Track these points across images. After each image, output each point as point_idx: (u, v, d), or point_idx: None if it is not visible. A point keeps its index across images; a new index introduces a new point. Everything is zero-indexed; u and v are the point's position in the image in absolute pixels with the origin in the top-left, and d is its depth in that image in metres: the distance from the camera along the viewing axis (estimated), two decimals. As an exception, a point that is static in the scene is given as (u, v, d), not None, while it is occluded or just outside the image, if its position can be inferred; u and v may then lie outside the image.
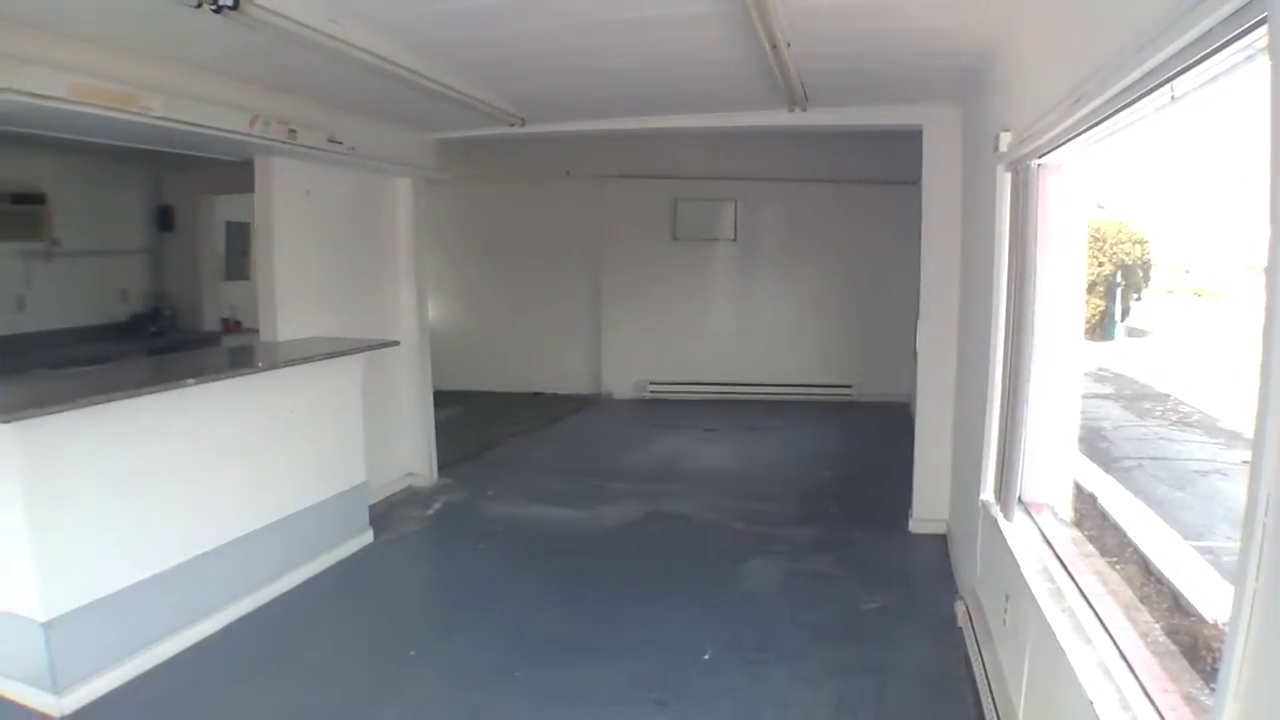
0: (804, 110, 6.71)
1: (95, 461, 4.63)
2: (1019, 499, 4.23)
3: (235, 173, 7.30)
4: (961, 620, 5.00)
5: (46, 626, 4.36)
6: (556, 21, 4.75)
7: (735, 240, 12.88)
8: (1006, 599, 4.02)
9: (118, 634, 4.70)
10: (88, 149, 6.85)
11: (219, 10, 4.00)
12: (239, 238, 10.54)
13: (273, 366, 5.87)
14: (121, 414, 4.68)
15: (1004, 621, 4.08)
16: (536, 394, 13.26)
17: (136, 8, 4.25)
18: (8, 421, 4.05)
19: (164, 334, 9.47)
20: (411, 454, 8.40)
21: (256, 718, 4.43)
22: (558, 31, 4.93)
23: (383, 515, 7.27)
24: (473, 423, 11.04)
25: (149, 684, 4.73)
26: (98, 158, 8.64)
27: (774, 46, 4.80)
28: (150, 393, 4.84)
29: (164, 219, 10.03)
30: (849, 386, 12.61)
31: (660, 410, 12.28)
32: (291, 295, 6.76)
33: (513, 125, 7.47)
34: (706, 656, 4.89)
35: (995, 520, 4.33)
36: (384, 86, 5.70)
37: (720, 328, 13.05)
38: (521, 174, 12.67)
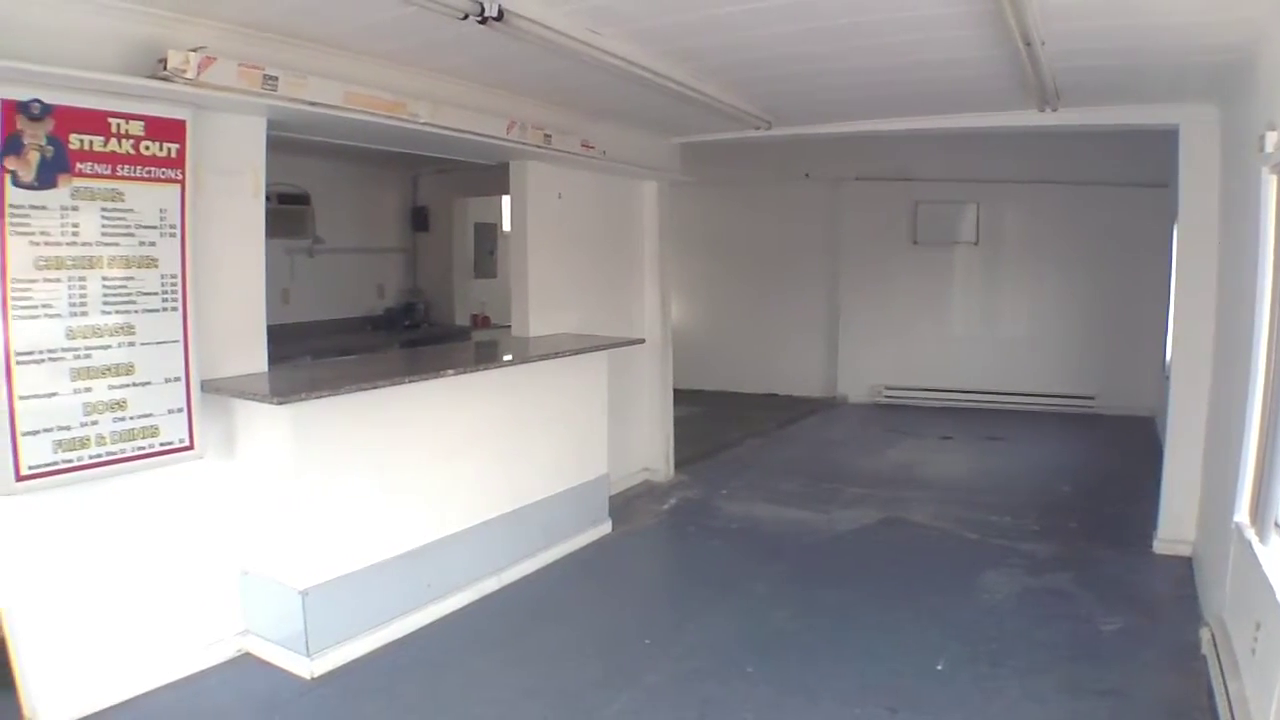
0: (1054, 110, 6.52)
1: (354, 445, 4.95)
2: (1276, 521, 4.01)
3: (485, 176, 7.64)
4: (1206, 647, 4.72)
5: (303, 594, 4.68)
6: (805, 26, 4.75)
7: (977, 244, 12.52)
8: (1258, 627, 3.80)
9: (366, 606, 5.00)
10: (350, 153, 7.22)
11: (484, 21, 4.20)
12: (487, 238, 11.02)
13: (524, 360, 6.10)
14: (380, 401, 4.99)
15: (1253, 651, 3.85)
16: (772, 395, 13.31)
17: (406, 22, 4.49)
18: (282, 404, 4.40)
19: (418, 327, 9.96)
20: (650, 449, 8.57)
21: (491, 694, 4.59)
22: (806, 36, 4.93)
23: (620, 507, 7.42)
24: (709, 422, 11.14)
25: (391, 655, 5.00)
26: (358, 162, 9.17)
27: (1027, 44, 4.69)
28: (411, 382, 5.14)
29: (419, 219, 10.55)
30: (1091, 398, 12.04)
31: (896, 416, 12.11)
32: (542, 293, 7.01)
33: (759, 129, 7.53)
34: (939, 667, 4.79)
35: (1249, 543, 4.11)
36: (635, 92, 5.86)
37: (959, 333, 12.74)
38: (760, 177, 12.72)
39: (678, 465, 8.78)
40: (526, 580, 6.06)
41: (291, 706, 4.48)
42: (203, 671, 4.73)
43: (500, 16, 4.21)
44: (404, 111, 5.24)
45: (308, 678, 4.69)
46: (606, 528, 7.02)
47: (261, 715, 4.41)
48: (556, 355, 6.26)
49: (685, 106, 6.41)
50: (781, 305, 13.40)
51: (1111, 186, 11.55)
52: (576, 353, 6.48)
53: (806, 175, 12.65)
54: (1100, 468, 9.41)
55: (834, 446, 10.66)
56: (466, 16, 4.17)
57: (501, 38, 4.53)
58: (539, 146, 6.36)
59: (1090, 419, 11.79)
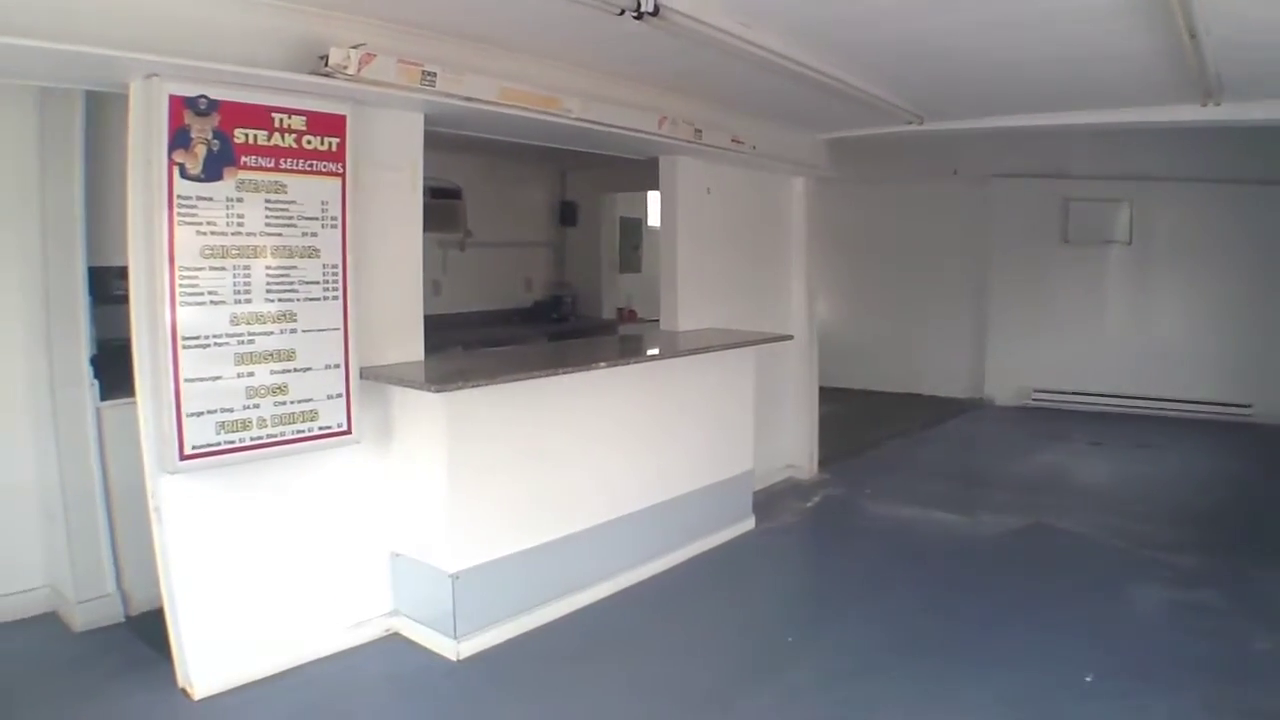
0: (1216, 105, 6.28)
1: (505, 434, 5.04)
2: None
3: (632, 172, 7.68)
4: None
5: (454, 578, 4.79)
6: (959, 18, 4.69)
7: (1130, 244, 12.00)
8: None
9: (511, 592, 5.09)
10: (500, 149, 7.34)
11: (640, 17, 4.24)
12: (632, 233, 11.10)
13: (673, 355, 6.12)
14: (531, 392, 5.08)
15: None
16: (915, 395, 13.06)
17: (562, 18, 4.54)
18: (439, 392, 4.51)
19: (565, 320, 10.09)
20: (794, 447, 8.52)
21: (631, 683, 4.63)
22: (960, 28, 4.86)
23: (764, 504, 7.38)
24: (853, 420, 11.02)
25: (535, 641, 5.08)
26: (509, 157, 9.34)
27: (1192, 35, 4.53)
28: (563, 373, 5.20)
29: (567, 214, 10.68)
30: (1247, 406, 11.40)
31: (1044, 419, 11.76)
32: (690, 287, 7.03)
33: (910, 123, 7.44)
34: (1088, 679, 4.62)
35: None
36: (786, 86, 5.83)
37: (1111, 336, 12.21)
38: (905, 173, 12.50)
39: (821, 463, 8.71)
40: (669, 573, 6.08)
41: (438, 686, 4.59)
42: (351, 649, 4.89)
43: (656, 11, 4.26)
44: (558, 107, 5.31)
45: (454, 659, 4.79)
46: (750, 524, 6.99)
47: (408, 694, 4.53)
48: (706, 350, 6.26)
49: (835, 101, 6.36)
50: (926, 304, 13.14)
51: (1273, 186, 11.02)
52: (726, 348, 6.46)
53: (955, 172, 12.37)
54: (1254, 479, 9.00)
55: (980, 449, 10.50)
56: (623, 12, 4.22)
57: (655, 32, 4.55)
58: (689, 141, 6.37)
59: (1246, 428, 11.21)
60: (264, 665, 4.56)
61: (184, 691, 4.36)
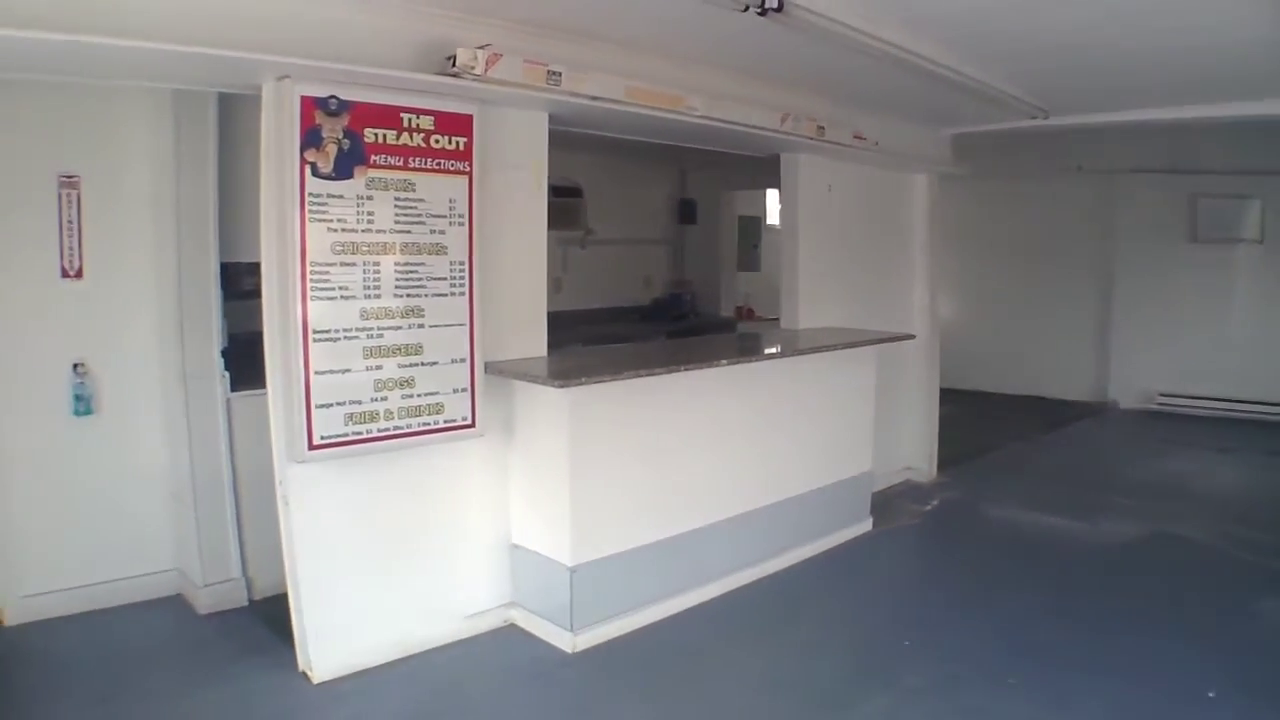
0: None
1: (625, 430, 5.08)
2: None
3: (750, 169, 7.66)
4: None
5: (572, 571, 4.84)
6: (1084, 12, 4.63)
7: (1261, 242, 11.51)
8: None
9: (628, 587, 5.11)
10: (621, 147, 7.35)
11: (764, 13, 4.24)
12: (750, 231, 11.07)
13: (794, 353, 6.11)
14: (652, 389, 5.09)
15: None
16: (1035, 398, 12.73)
17: (685, 16, 4.59)
18: (562, 387, 4.56)
19: (684, 318, 10.09)
20: (913, 448, 8.42)
21: (744, 682, 4.61)
22: (1086, 21, 4.78)
23: (881, 505, 7.29)
24: (971, 423, 10.80)
25: (649, 636, 5.10)
26: (629, 155, 9.35)
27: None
28: (685, 370, 5.22)
29: (686, 212, 10.69)
30: None
31: (1170, 424, 11.38)
32: (811, 286, 7.01)
33: (1035, 118, 7.28)
34: (1211, 695, 4.44)
35: None
36: (909, 81, 5.77)
37: (1241, 338, 11.67)
38: (1027, 169, 12.07)
39: (940, 466, 8.58)
40: (785, 573, 6.05)
41: (553, 677, 4.64)
42: (468, 639, 4.98)
43: (780, 7, 4.25)
44: (682, 105, 5.33)
45: (569, 651, 4.84)
46: (867, 525, 6.93)
47: (524, 684, 4.59)
48: (826, 349, 6.21)
49: (959, 96, 6.27)
50: (1047, 304, 12.77)
51: None
52: (846, 347, 6.40)
53: (1079, 168, 11.89)
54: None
55: (1102, 454, 10.20)
56: (747, 8, 4.22)
57: (778, 28, 4.54)
58: (811, 138, 6.33)
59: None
60: (382, 652, 4.66)
61: (304, 675, 4.50)
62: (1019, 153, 11.29)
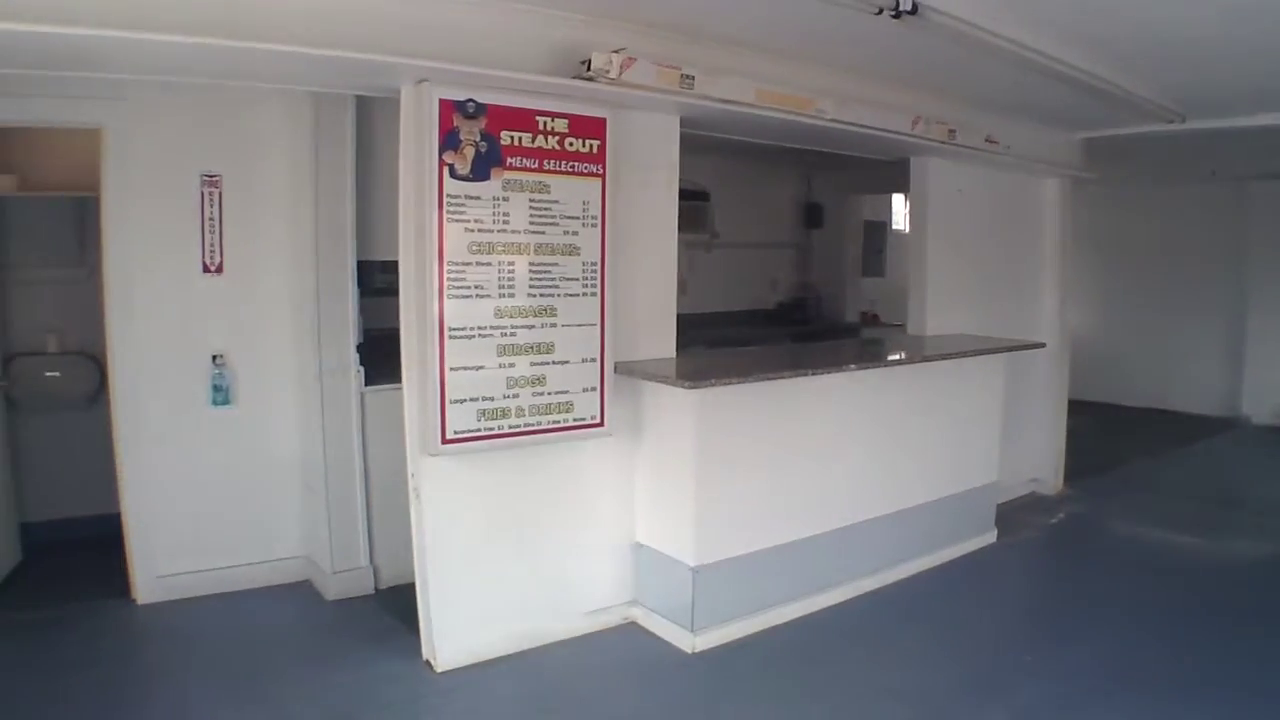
0: None
1: (751, 433, 5.07)
2: None
3: (876, 173, 7.60)
4: None
5: (694, 571, 4.85)
6: (1211, 9, 4.51)
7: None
8: None
9: (748, 590, 5.10)
10: (746, 150, 7.35)
11: (898, 16, 4.22)
12: (875, 236, 10.95)
13: (920, 359, 6.02)
14: (777, 392, 5.09)
15: None
16: (1164, 411, 12.32)
17: (818, 19, 4.56)
18: (692, 388, 4.58)
19: (808, 323, 10.02)
20: (1039, 460, 8.22)
21: (859, 689, 4.57)
22: (1213, 18, 4.65)
23: (1005, 517, 7.13)
24: (1098, 435, 10.56)
25: (767, 640, 5.07)
26: (754, 159, 9.33)
27: None
28: (814, 374, 5.20)
29: (812, 216, 10.62)
30: None
31: (1307, 441, 10.98)
32: (939, 291, 6.92)
33: (1171, 121, 7.07)
34: None
35: None
36: (1041, 84, 5.68)
37: None
38: (1158, 174, 11.64)
39: (1066, 478, 8.39)
40: (905, 582, 5.98)
41: (672, 676, 4.67)
42: (588, 635, 5.03)
43: (915, 10, 4.23)
44: (812, 108, 5.30)
45: (688, 651, 4.86)
46: (990, 537, 6.80)
47: (643, 682, 4.61)
48: (954, 356, 6.14)
49: (1092, 99, 6.13)
50: (1176, 314, 12.32)
51: None
52: (974, 354, 6.32)
53: (1213, 173, 11.41)
54: None
55: (1235, 470, 9.84)
56: (881, 11, 4.20)
57: (910, 31, 4.50)
58: (942, 142, 6.24)
59: None
60: (503, 644, 4.74)
61: (427, 663, 4.61)
62: (1150, 157, 10.86)
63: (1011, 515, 7.35)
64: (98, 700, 4.30)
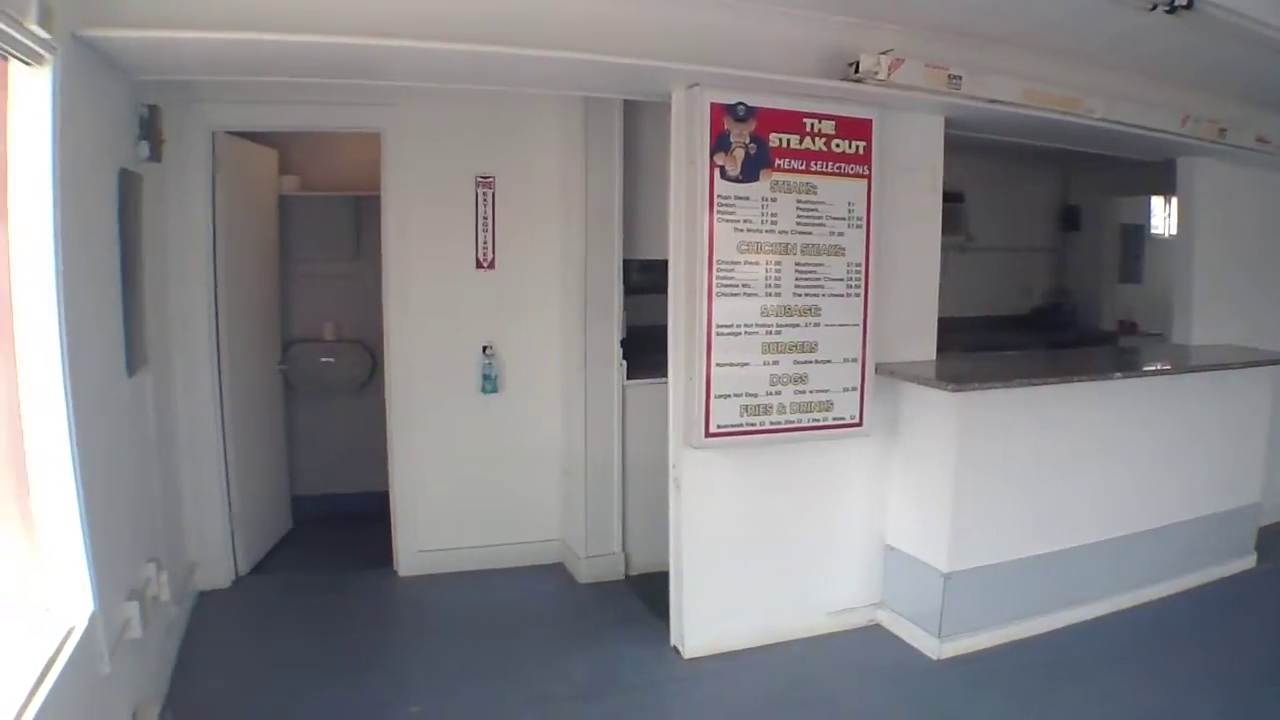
0: None
1: (1009, 439, 4.98)
2: None
3: (1134, 175, 7.29)
4: None
5: (946, 577, 4.80)
6: None
7: None
8: None
9: (998, 600, 5.01)
10: (1001, 151, 7.20)
11: (1173, 10, 4.11)
12: (1133, 240, 10.50)
13: (1185, 370, 5.80)
14: (1036, 399, 4.99)
15: None
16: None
17: (1089, 16, 4.51)
18: (956, 391, 4.57)
19: (1064, 329, 9.69)
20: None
21: (1113, 709, 4.42)
22: None
23: (1267, 542, 6.70)
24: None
25: (1016, 652, 4.96)
26: (1010, 160, 9.09)
27: None
28: (1076, 381, 5.13)
29: (1069, 219, 10.27)
30: None
31: None
32: (1205, 299, 6.61)
33: None
34: None
35: None
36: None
37: None
38: None
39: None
40: (1159, 603, 5.72)
41: (915, 682, 4.64)
42: (831, 634, 5.06)
43: (1190, 4, 4.10)
44: (1079, 107, 5.18)
45: (934, 658, 4.82)
46: (1249, 562, 6.42)
47: (885, 684, 4.62)
48: (1221, 368, 5.87)
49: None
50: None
51: None
52: (1243, 366, 6.00)
53: None
54: None
55: None
56: (1155, 7, 4.12)
57: (1183, 26, 4.38)
58: (1211, 141, 5.94)
59: None
60: (748, 636, 4.85)
61: (674, 649, 4.76)
62: None
63: (1274, 540, 6.93)
64: (363, 659, 4.68)
